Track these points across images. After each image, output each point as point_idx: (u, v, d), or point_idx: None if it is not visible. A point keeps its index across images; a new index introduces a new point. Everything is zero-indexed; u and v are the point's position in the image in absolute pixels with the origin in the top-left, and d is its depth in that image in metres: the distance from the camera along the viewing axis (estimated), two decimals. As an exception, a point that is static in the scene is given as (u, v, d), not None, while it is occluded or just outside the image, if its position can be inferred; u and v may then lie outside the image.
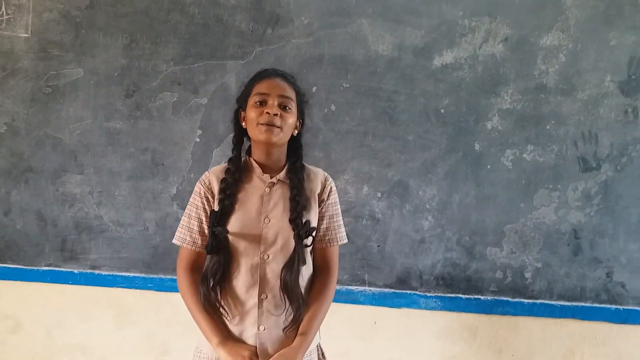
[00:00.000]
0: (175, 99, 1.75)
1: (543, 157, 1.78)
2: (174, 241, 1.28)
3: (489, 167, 1.78)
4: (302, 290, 1.21)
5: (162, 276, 1.79)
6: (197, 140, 1.76)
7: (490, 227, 1.79)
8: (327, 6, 1.73)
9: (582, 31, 1.75)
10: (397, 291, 1.79)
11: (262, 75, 1.23)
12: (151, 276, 1.79)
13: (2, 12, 1.72)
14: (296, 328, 1.20)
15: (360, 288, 1.77)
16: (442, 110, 1.76)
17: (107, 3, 1.72)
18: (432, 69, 1.75)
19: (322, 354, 1.31)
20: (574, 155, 1.78)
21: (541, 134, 1.77)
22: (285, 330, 1.20)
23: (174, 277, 1.77)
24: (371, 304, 1.78)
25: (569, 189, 1.78)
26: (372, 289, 1.79)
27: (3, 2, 1.71)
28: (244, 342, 1.20)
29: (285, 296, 1.18)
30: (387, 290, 1.79)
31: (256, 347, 1.18)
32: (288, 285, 1.17)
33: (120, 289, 1.80)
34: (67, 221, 1.78)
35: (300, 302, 1.19)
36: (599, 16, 1.76)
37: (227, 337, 1.19)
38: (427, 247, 1.79)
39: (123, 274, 1.79)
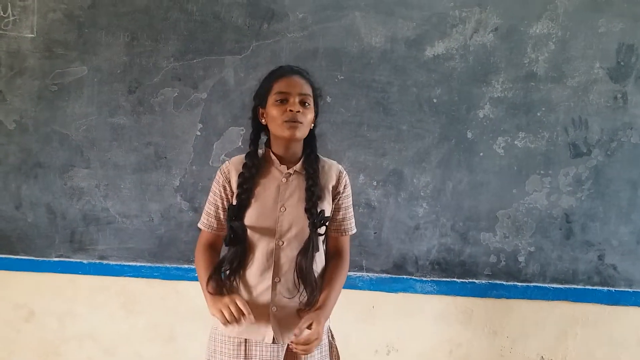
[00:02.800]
0: (176, 94, 1.81)
1: (534, 144, 1.82)
2: (198, 224, 1.37)
3: (481, 154, 1.82)
4: (316, 275, 1.28)
5: (168, 265, 1.85)
6: (198, 133, 1.82)
7: (484, 212, 1.84)
8: (320, 0, 1.78)
9: (571, 19, 1.79)
10: (394, 276, 1.85)
11: (281, 73, 1.27)
12: (157, 265, 1.85)
13: (8, 14, 1.78)
14: (312, 309, 1.26)
15: (359, 274, 1.83)
16: (435, 100, 1.81)
17: (109, 2, 1.77)
18: (424, 60, 1.79)
19: (332, 336, 1.38)
20: (565, 141, 1.82)
21: (532, 121, 1.81)
22: (299, 312, 1.27)
23: (179, 266, 1.86)
24: (369, 289, 1.84)
25: (560, 175, 1.83)
26: (370, 274, 1.85)
27: (9, 3, 1.78)
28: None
29: (300, 280, 1.25)
30: (384, 275, 1.85)
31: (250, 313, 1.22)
32: (303, 270, 1.25)
33: (127, 278, 1.87)
34: (75, 214, 1.85)
35: (314, 286, 1.27)
36: (587, 4, 1.79)
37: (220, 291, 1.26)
38: (422, 233, 1.84)
39: (130, 263, 1.86)
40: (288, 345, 1.22)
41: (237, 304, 1.20)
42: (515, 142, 1.82)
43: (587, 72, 1.79)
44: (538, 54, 1.79)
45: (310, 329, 1.19)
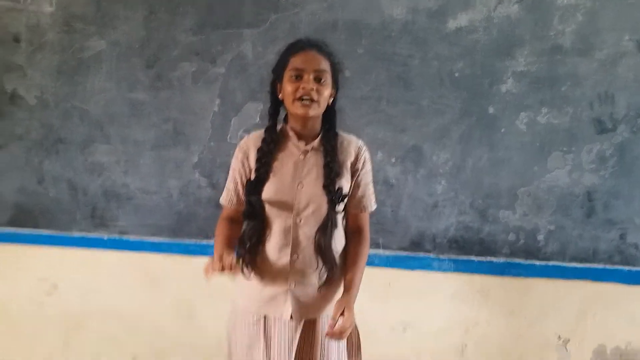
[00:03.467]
0: (194, 68, 1.80)
1: (558, 120, 1.77)
2: (220, 200, 1.38)
3: (503, 130, 1.79)
4: (335, 252, 1.28)
5: (187, 241, 1.87)
6: (216, 109, 1.82)
7: (504, 190, 1.81)
8: (340, -28, 1.74)
9: (601, -11, 1.72)
10: (411, 254, 1.84)
11: (297, 47, 1.24)
12: (176, 241, 1.88)
13: (27, -12, 1.79)
14: (330, 286, 1.28)
15: (375, 251, 1.83)
16: (457, 74, 1.77)
17: (127, -25, 1.77)
18: (446, 32, 1.75)
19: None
20: (589, 117, 1.77)
21: (556, 95, 1.76)
22: (320, 289, 1.28)
23: (198, 242, 1.88)
24: (385, 266, 1.84)
25: (583, 151, 1.78)
26: (387, 251, 1.85)
27: (28, -23, 1.78)
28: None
29: (319, 257, 1.26)
30: (401, 253, 1.85)
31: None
32: (322, 247, 1.25)
33: (147, 253, 1.89)
34: (96, 189, 1.88)
35: (333, 262, 1.27)
36: (618, -26, 1.72)
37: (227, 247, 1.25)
38: (441, 211, 1.83)
39: (150, 239, 1.88)
40: (325, 333, 1.22)
41: (221, 253, 1.16)
42: (538, 118, 1.77)
43: (615, 44, 1.73)
44: (565, 26, 1.73)
45: (343, 315, 1.20)
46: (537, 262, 1.83)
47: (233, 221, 1.36)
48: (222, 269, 1.16)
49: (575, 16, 1.73)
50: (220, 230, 1.32)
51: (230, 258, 1.17)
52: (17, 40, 1.81)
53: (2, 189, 1.89)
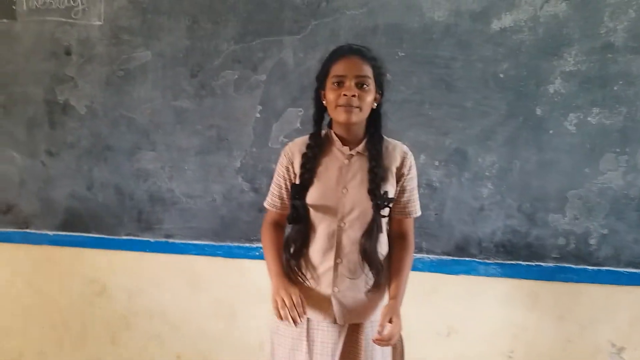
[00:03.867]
0: (237, 76, 1.83)
1: (610, 120, 1.70)
2: (264, 203, 1.41)
3: (551, 132, 1.73)
4: (380, 257, 1.28)
5: (230, 244, 1.91)
6: (258, 115, 1.84)
7: (553, 193, 1.75)
8: (380, -25, 1.73)
9: (655, -17, 1.65)
10: (456, 258, 1.81)
11: (338, 54, 1.25)
12: (220, 244, 1.91)
13: (78, 3, 1.86)
14: (377, 291, 1.29)
15: (419, 255, 1.81)
16: (501, 75, 1.72)
17: (170, -13, 1.81)
18: (490, 34, 1.71)
19: None
20: (645, 117, 1.70)
21: (608, 95, 1.69)
22: (367, 294, 1.28)
23: (241, 245, 1.91)
24: (429, 270, 1.82)
25: (638, 153, 1.71)
26: (431, 256, 1.82)
27: (78, -7, 1.85)
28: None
29: (365, 262, 1.26)
30: (445, 257, 1.82)
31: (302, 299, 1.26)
32: (367, 252, 1.25)
33: (191, 256, 1.94)
34: (142, 194, 1.94)
35: (380, 267, 1.27)
36: (674, -35, 1.64)
37: (285, 273, 1.30)
38: (487, 215, 1.79)
39: (194, 242, 1.93)
40: (373, 340, 1.23)
41: (292, 299, 1.23)
42: (589, 119, 1.71)
43: (671, 40, 1.65)
44: (616, 23, 1.66)
45: (391, 323, 1.20)
46: (589, 267, 1.77)
47: (277, 225, 1.38)
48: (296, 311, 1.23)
49: (628, 13, 1.66)
50: (270, 243, 1.34)
51: (298, 298, 1.23)
52: (68, 53, 1.89)
53: (54, 195, 1.98)
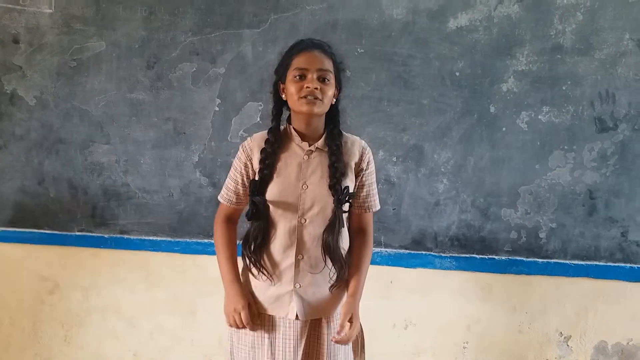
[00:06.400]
0: (194, 69, 1.79)
1: (559, 118, 1.77)
2: (218, 197, 1.39)
3: (504, 129, 1.79)
4: (342, 251, 1.29)
5: (188, 239, 1.87)
6: (217, 109, 1.82)
7: (505, 188, 1.81)
8: (340, -29, 1.73)
9: (601, -12, 1.72)
10: (413, 252, 1.85)
11: (300, 48, 1.24)
12: (177, 240, 1.88)
13: (26, -12, 1.78)
14: (339, 286, 1.30)
15: (377, 249, 1.83)
16: (457, 74, 1.77)
17: (126, -25, 1.76)
18: (446, 32, 1.75)
19: None
20: (591, 116, 1.77)
21: (557, 95, 1.76)
22: (331, 289, 1.29)
23: (199, 240, 1.88)
24: (387, 264, 1.85)
25: (584, 150, 1.79)
26: (388, 250, 1.85)
27: (26, -22, 1.77)
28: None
29: (328, 257, 1.26)
30: (402, 251, 1.85)
31: (249, 303, 1.29)
32: (330, 247, 1.25)
33: (148, 252, 1.90)
34: (96, 189, 1.87)
35: (342, 262, 1.28)
36: (618, -28, 1.72)
37: (239, 280, 1.32)
38: (442, 209, 1.83)
39: (150, 237, 1.88)
40: (332, 340, 1.25)
41: (241, 317, 1.26)
42: (539, 117, 1.78)
43: (616, 43, 1.73)
44: (565, 25, 1.73)
45: (350, 322, 1.22)
46: (539, 260, 1.84)
47: (231, 222, 1.37)
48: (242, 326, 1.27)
49: (576, 15, 1.73)
50: (224, 246, 1.33)
51: (247, 315, 1.26)
52: (16, 41, 1.80)
53: (2, 189, 1.89)
